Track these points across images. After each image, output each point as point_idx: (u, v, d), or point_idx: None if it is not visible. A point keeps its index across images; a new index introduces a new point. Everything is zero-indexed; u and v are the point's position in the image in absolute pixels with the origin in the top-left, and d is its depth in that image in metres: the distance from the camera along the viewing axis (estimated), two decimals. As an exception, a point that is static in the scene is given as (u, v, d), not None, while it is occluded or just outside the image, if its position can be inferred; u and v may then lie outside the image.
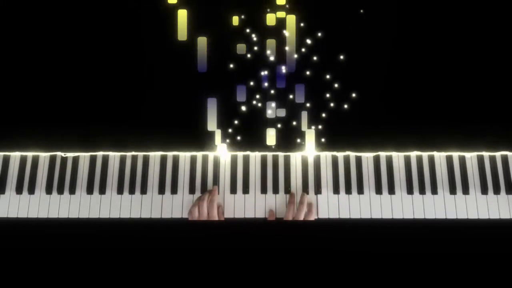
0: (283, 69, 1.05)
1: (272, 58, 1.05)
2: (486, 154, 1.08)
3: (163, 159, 1.09)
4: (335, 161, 1.08)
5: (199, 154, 1.09)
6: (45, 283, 0.49)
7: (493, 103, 1.05)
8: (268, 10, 1.06)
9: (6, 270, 0.50)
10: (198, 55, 1.05)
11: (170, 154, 1.09)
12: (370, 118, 1.06)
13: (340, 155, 1.09)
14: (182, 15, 1.05)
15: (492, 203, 1.05)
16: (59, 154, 1.08)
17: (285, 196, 1.07)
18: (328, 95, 1.06)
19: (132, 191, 1.07)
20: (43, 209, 1.06)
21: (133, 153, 1.08)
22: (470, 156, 1.08)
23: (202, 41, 1.04)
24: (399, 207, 1.06)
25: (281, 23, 1.06)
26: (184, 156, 1.09)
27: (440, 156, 1.08)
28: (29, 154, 1.08)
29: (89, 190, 1.07)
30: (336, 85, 1.06)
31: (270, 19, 1.06)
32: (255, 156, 1.09)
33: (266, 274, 0.50)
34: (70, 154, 1.08)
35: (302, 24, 1.06)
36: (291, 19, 1.05)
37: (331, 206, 1.06)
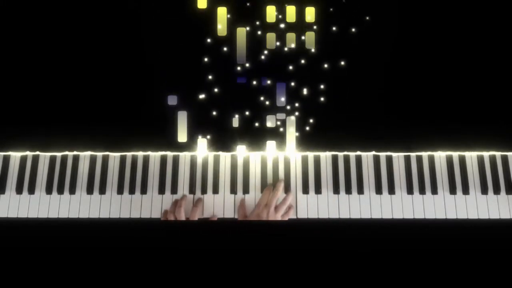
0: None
1: (273, 155, 1.08)
2: (486, 154, 1.08)
3: (163, 159, 1.09)
4: (335, 161, 1.09)
5: (199, 154, 1.09)
6: (45, 283, 0.49)
7: (493, 103, 1.05)
8: (268, 111, 1.07)
9: (6, 270, 0.50)
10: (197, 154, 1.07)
11: (170, 154, 1.09)
12: (370, 118, 1.06)
13: (340, 155, 1.09)
14: (182, 117, 1.06)
15: (492, 203, 1.05)
16: (68, 154, 1.08)
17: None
18: (326, 100, 1.06)
19: (132, 191, 1.07)
20: (43, 209, 1.06)
21: (133, 153, 1.08)
22: (470, 156, 1.08)
23: (202, 142, 1.06)
24: (399, 207, 1.06)
25: (282, 123, 1.06)
26: (184, 156, 1.09)
27: (440, 156, 1.08)
28: (29, 154, 1.08)
29: (89, 190, 1.07)
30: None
31: (271, 121, 1.07)
32: (255, 156, 1.09)
33: (268, 275, 0.50)
34: (70, 153, 1.08)
35: (302, 123, 1.07)
36: (291, 122, 1.06)
37: (331, 206, 1.06)
